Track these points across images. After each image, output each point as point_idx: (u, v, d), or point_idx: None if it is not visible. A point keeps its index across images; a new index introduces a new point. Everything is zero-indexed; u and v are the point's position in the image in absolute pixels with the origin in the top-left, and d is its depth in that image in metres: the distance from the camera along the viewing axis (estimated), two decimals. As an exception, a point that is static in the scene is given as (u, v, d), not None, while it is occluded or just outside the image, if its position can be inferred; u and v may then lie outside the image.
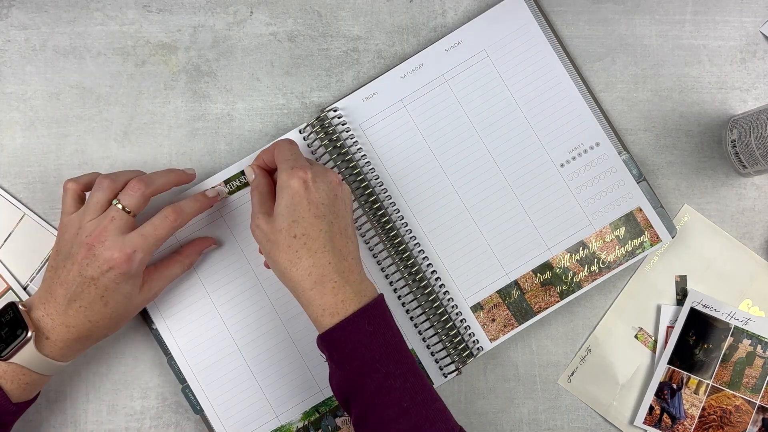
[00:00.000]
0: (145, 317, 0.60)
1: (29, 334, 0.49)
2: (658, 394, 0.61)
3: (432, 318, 0.59)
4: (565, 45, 0.63)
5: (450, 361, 0.59)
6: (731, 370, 0.61)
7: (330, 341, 0.49)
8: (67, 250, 0.51)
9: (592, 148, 0.62)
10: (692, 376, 0.61)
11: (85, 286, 0.50)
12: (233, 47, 0.64)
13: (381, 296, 0.52)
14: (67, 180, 0.54)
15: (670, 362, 0.61)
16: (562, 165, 0.61)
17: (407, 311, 0.60)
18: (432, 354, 0.60)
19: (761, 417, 0.61)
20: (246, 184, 0.60)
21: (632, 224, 0.61)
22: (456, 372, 0.59)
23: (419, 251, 0.60)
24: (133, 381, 0.61)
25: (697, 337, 0.61)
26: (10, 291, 0.61)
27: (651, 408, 0.61)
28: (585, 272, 0.61)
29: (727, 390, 0.61)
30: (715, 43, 0.64)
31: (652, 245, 0.61)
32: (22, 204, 0.62)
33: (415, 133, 0.61)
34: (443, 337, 0.59)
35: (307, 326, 0.60)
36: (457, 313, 0.60)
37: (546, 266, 0.61)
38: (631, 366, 0.62)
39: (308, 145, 0.60)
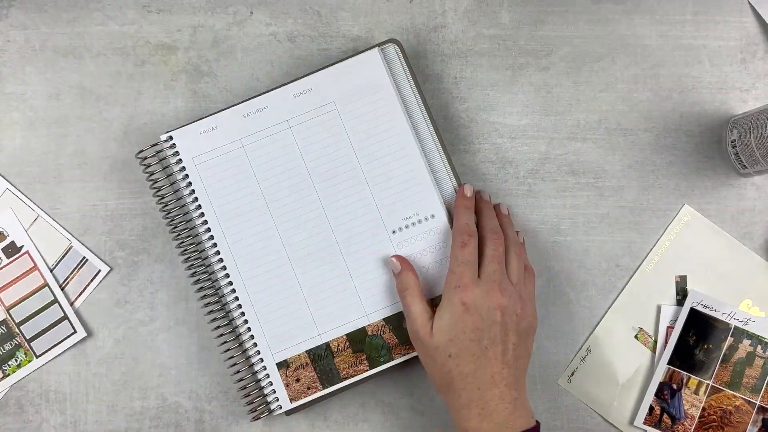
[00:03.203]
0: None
1: None
2: (658, 394, 0.61)
3: (238, 364, 0.59)
4: (428, 105, 0.61)
5: (252, 408, 0.59)
6: (731, 370, 0.61)
7: None
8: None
9: (426, 219, 0.59)
10: (692, 376, 0.61)
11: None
12: (233, 47, 0.64)
13: (536, 427, 0.51)
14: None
15: (670, 362, 0.61)
16: (394, 231, 0.59)
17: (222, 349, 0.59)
18: (242, 396, 0.59)
19: (761, 417, 0.61)
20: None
21: None
22: (253, 419, 0.58)
23: (234, 298, 0.58)
24: (133, 381, 0.61)
25: (697, 337, 0.61)
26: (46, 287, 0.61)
27: (651, 408, 0.61)
28: (398, 344, 0.59)
29: (727, 390, 0.61)
30: (716, 44, 0.64)
31: None
32: (36, 205, 0.62)
33: (250, 176, 0.59)
34: (246, 386, 0.59)
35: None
36: (262, 367, 0.58)
37: (361, 332, 0.58)
38: (631, 366, 0.62)
39: (143, 171, 0.59)
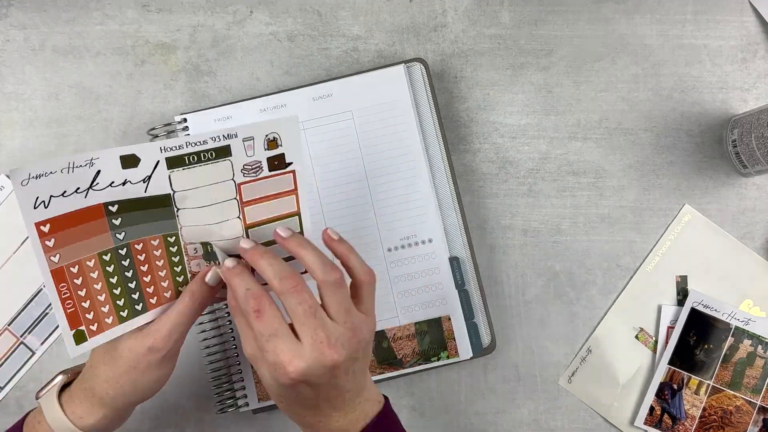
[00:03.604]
0: None
1: (59, 377, 0.49)
2: (659, 394, 0.61)
3: (214, 355, 0.59)
4: (444, 130, 0.61)
5: (218, 399, 0.59)
6: (732, 370, 0.61)
7: None
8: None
9: (423, 242, 0.59)
10: (693, 376, 0.61)
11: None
12: (233, 47, 0.63)
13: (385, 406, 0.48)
14: None
15: (671, 362, 0.61)
16: (389, 249, 0.59)
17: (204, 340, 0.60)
18: (212, 387, 0.59)
19: (762, 417, 0.61)
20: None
21: (436, 331, 0.59)
22: (220, 411, 0.58)
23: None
24: (132, 381, 0.61)
25: (698, 337, 0.61)
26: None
27: (651, 408, 0.61)
28: (376, 363, 0.59)
29: (728, 390, 0.61)
30: (716, 43, 0.64)
31: (449, 357, 0.59)
32: None
33: None
34: (220, 377, 0.59)
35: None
36: (237, 362, 0.59)
37: None
38: (631, 366, 0.62)
39: None
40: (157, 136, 0.60)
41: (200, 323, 0.60)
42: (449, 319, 0.59)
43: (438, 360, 0.59)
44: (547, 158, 0.63)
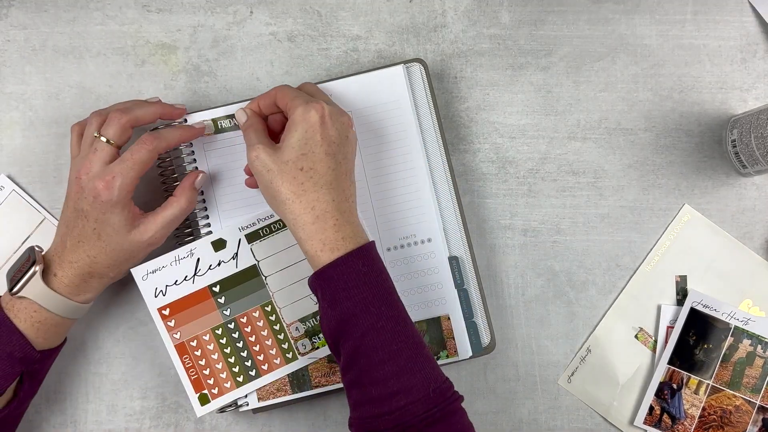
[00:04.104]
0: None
1: (36, 267, 0.51)
2: (659, 394, 0.61)
3: None
4: (443, 130, 0.61)
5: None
6: (731, 370, 0.61)
7: (325, 278, 0.49)
8: (68, 190, 0.54)
9: (423, 242, 0.59)
10: (692, 376, 0.61)
11: (78, 220, 0.52)
12: (233, 47, 0.64)
13: (373, 242, 0.52)
14: (72, 125, 0.56)
15: (671, 362, 0.61)
16: (389, 249, 0.59)
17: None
18: None
19: (761, 417, 0.61)
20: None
21: (436, 330, 0.59)
22: (220, 411, 0.59)
23: None
24: (133, 381, 0.61)
25: (698, 337, 0.61)
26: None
27: (651, 408, 0.61)
28: None
29: (728, 390, 0.61)
30: (716, 43, 0.64)
31: (448, 357, 0.59)
32: (43, 207, 0.62)
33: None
34: None
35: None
36: None
37: None
38: (631, 366, 0.62)
39: None
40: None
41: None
42: (449, 318, 0.59)
43: (437, 359, 0.59)
44: (547, 158, 0.64)
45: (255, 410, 0.59)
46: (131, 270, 0.57)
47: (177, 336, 0.57)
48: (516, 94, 0.64)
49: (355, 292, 0.48)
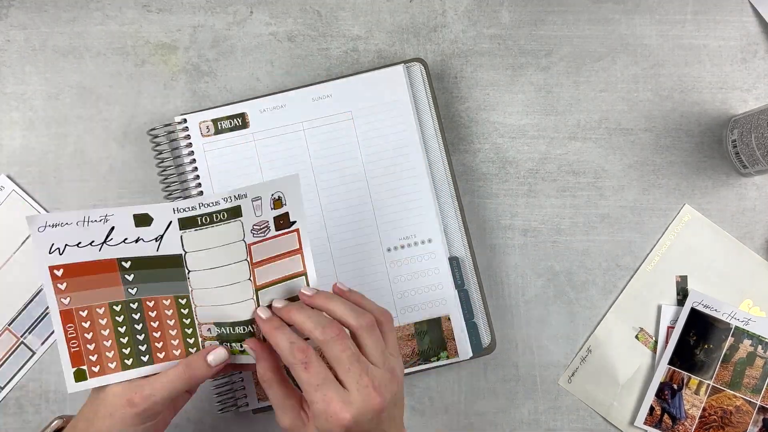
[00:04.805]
0: None
1: (56, 422, 0.50)
2: (659, 394, 0.61)
3: None
4: (444, 130, 0.61)
5: (218, 399, 0.59)
6: (732, 370, 0.61)
7: None
8: None
9: (423, 242, 0.59)
10: (693, 376, 0.61)
11: None
12: (233, 47, 0.64)
13: None
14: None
15: (671, 362, 0.61)
16: (389, 249, 0.59)
17: None
18: (212, 387, 0.59)
19: (762, 417, 0.61)
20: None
21: (436, 331, 0.59)
22: (220, 411, 0.59)
23: None
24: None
25: (698, 337, 0.61)
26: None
27: (651, 408, 0.61)
28: None
29: (728, 390, 0.61)
30: (716, 43, 0.64)
31: (448, 357, 0.59)
32: (43, 207, 0.62)
33: (255, 169, 0.59)
34: (218, 379, 0.59)
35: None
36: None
37: None
38: (631, 366, 0.62)
39: (152, 149, 0.60)
40: (157, 137, 0.60)
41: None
42: (449, 319, 0.59)
43: (438, 360, 0.59)
44: (547, 158, 0.63)
45: (255, 410, 0.59)
46: (27, 219, 0.47)
47: (65, 301, 0.49)
48: (516, 94, 0.64)
49: None
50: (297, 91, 0.60)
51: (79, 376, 0.49)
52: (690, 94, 0.64)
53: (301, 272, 0.51)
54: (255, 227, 0.49)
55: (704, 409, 0.61)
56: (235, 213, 0.49)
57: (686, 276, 0.63)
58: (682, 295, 0.62)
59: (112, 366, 0.49)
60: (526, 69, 0.64)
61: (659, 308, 0.62)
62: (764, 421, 0.61)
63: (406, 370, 0.59)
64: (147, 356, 0.50)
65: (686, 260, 0.63)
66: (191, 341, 0.51)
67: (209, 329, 0.51)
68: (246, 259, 0.50)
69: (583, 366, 0.62)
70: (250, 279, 0.50)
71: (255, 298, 0.50)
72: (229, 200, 0.48)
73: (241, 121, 0.59)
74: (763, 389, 0.61)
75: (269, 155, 0.59)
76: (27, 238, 0.61)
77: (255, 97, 0.60)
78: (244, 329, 0.50)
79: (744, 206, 0.63)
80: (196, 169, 0.59)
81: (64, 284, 0.49)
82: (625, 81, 0.64)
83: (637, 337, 0.62)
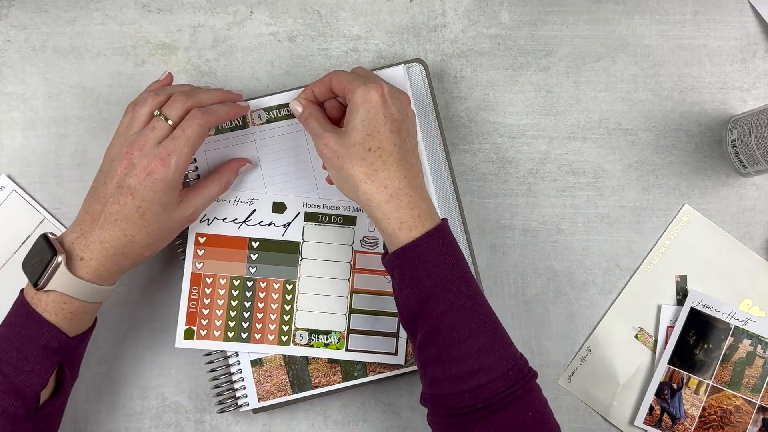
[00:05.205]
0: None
1: (59, 258, 0.49)
2: (659, 394, 0.61)
3: (214, 362, 0.59)
4: (444, 131, 0.61)
5: (218, 399, 0.59)
6: (731, 370, 0.61)
7: (405, 258, 0.49)
8: (108, 166, 0.51)
9: None
10: (692, 376, 0.61)
11: (122, 197, 0.50)
12: (233, 47, 0.64)
13: (446, 220, 0.51)
14: (128, 105, 0.54)
15: (671, 362, 0.61)
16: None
17: None
18: (212, 387, 0.60)
19: (761, 417, 0.61)
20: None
21: None
22: (220, 411, 0.59)
23: None
24: (133, 381, 0.61)
25: (698, 337, 0.61)
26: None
27: (651, 408, 0.61)
28: (376, 363, 0.59)
29: (728, 390, 0.61)
30: (716, 43, 0.64)
31: None
32: (43, 207, 0.62)
33: (255, 165, 0.60)
34: (218, 377, 0.59)
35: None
36: (237, 362, 0.59)
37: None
38: (631, 366, 0.62)
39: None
40: None
41: (200, 323, 0.60)
42: None
43: None
44: (547, 158, 0.64)
45: (255, 410, 0.59)
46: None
47: (199, 266, 0.58)
48: (516, 94, 0.64)
49: (435, 271, 0.49)
50: (297, 90, 0.60)
51: (188, 335, 0.57)
52: (690, 94, 0.64)
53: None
54: (365, 239, 0.59)
55: (704, 409, 0.61)
56: (350, 221, 0.59)
57: (686, 276, 0.63)
58: (682, 294, 0.62)
59: (216, 334, 0.58)
60: (526, 69, 0.64)
61: (659, 308, 0.62)
62: (764, 421, 0.61)
63: (408, 371, 0.59)
64: (246, 334, 0.58)
65: (686, 260, 0.63)
66: (285, 328, 0.58)
67: (301, 336, 0.58)
68: (350, 262, 0.59)
69: (583, 366, 0.62)
70: (348, 279, 0.59)
71: (349, 300, 0.59)
72: (348, 209, 0.59)
73: (241, 121, 0.59)
74: (763, 389, 0.61)
75: (269, 155, 0.59)
76: (27, 238, 0.61)
77: (255, 97, 0.60)
78: (328, 338, 0.58)
79: (744, 206, 0.63)
80: (197, 169, 0.59)
81: (203, 251, 0.58)
82: (624, 81, 0.64)
83: (636, 336, 0.62)
